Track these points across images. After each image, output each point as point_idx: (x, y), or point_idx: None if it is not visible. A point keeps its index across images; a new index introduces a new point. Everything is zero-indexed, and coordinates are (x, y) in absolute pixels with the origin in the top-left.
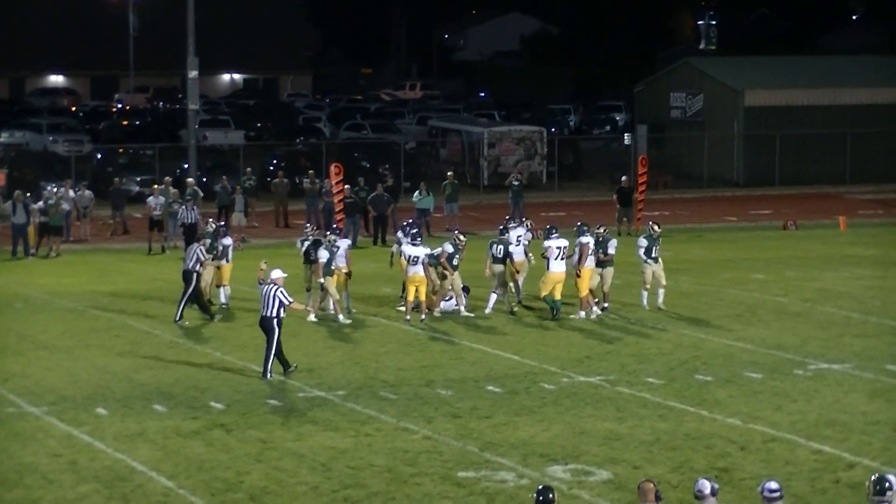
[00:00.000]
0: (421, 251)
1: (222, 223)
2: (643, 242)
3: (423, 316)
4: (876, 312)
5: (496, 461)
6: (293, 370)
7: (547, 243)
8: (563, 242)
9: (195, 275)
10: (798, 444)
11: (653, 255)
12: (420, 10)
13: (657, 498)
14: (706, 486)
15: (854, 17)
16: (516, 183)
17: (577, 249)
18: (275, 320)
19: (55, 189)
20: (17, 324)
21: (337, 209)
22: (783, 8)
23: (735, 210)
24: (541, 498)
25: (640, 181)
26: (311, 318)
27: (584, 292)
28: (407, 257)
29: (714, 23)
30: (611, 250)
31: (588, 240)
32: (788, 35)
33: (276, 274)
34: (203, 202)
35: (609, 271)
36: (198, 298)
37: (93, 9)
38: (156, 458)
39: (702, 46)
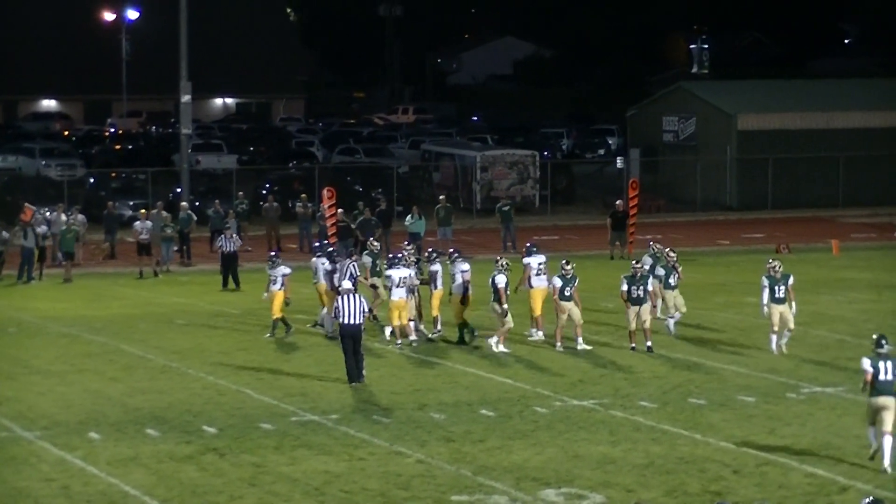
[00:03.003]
0: (404, 273)
1: (273, 252)
2: (660, 272)
3: (399, 341)
4: (869, 336)
5: (490, 485)
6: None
7: (526, 260)
8: (542, 258)
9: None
10: (792, 468)
11: (671, 282)
12: (413, 34)
13: None
14: None
15: (847, 41)
16: (506, 208)
17: (532, 269)
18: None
19: (48, 213)
20: (11, 348)
21: (330, 233)
22: (776, 32)
23: (728, 234)
24: None
25: (631, 205)
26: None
27: (538, 312)
28: (394, 282)
29: (707, 47)
30: (650, 287)
31: (528, 260)
32: (781, 59)
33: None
34: (196, 226)
35: (645, 308)
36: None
37: (86, 33)
38: (149, 483)
39: (694, 70)
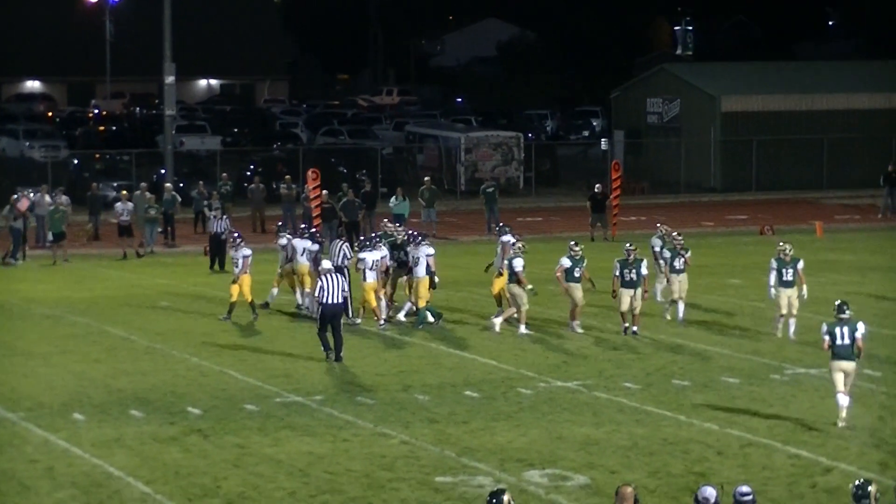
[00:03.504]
0: (378, 255)
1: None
2: (666, 254)
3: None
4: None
5: (473, 466)
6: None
7: (506, 238)
8: (511, 239)
9: (345, 270)
10: (775, 449)
11: (676, 266)
12: (397, 16)
13: (636, 502)
14: (712, 495)
15: (830, 24)
16: (490, 189)
17: (499, 249)
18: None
19: (32, 195)
20: None
21: (314, 214)
22: (760, 15)
23: (712, 216)
24: (493, 500)
25: (613, 186)
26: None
27: (497, 293)
28: (367, 265)
29: (691, 29)
30: (644, 271)
31: (508, 238)
32: (765, 42)
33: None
34: (181, 207)
35: (639, 293)
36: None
37: (69, 15)
38: (133, 464)
39: (679, 52)
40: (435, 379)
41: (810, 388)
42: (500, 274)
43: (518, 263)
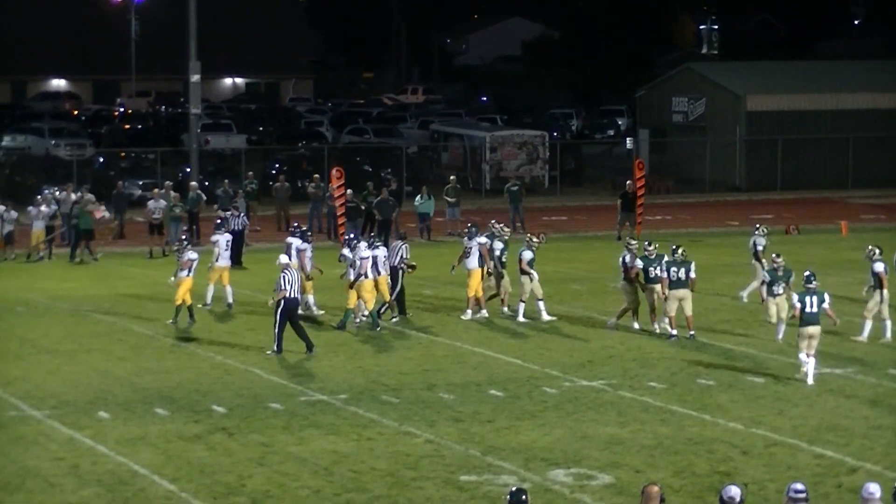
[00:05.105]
0: (381, 253)
1: (184, 236)
2: (766, 277)
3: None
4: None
5: (498, 465)
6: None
7: (483, 240)
8: (484, 240)
9: (401, 272)
10: (800, 449)
11: (776, 291)
12: (422, 14)
13: (662, 502)
14: (737, 494)
15: (855, 22)
16: (514, 188)
17: (473, 250)
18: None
19: (57, 193)
20: (19, 328)
21: (339, 213)
22: (785, 13)
23: (737, 215)
24: (513, 500)
25: (638, 185)
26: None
27: (472, 293)
28: (371, 264)
29: (716, 28)
30: (692, 274)
31: (485, 241)
32: (790, 40)
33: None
34: (205, 206)
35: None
36: (399, 295)
37: (95, 13)
38: (158, 462)
39: (704, 51)
40: (459, 377)
41: (835, 388)
42: (490, 274)
43: (527, 255)
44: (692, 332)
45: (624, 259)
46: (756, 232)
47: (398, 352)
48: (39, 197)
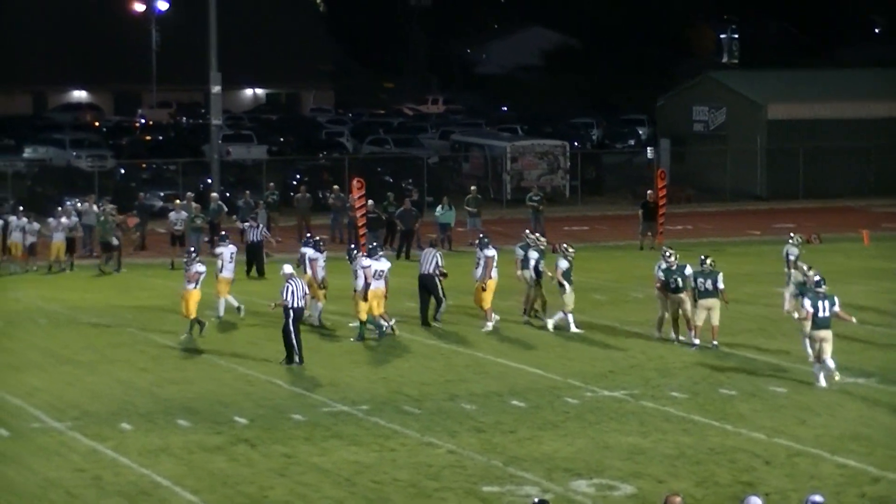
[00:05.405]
0: (385, 265)
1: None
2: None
3: (388, 323)
4: None
5: (520, 476)
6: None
7: (491, 252)
8: (491, 252)
9: (438, 280)
10: (822, 459)
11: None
12: (441, 24)
13: None
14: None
15: (876, 31)
16: (536, 199)
17: (482, 262)
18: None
19: (78, 204)
20: (41, 339)
21: (359, 224)
22: (805, 21)
23: (758, 224)
24: None
25: (660, 195)
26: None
27: (487, 304)
28: (372, 272)
29: (736, 36)
30: (720, 284)
31: (493, 253)
32: (810, 48)
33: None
34: (226, 216)
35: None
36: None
37: (116, 24)
38: (179, 473)
39: (724, 60)
40: (481, 388)
41: (857, 397)
42: (484, 289)
43: (563, 265)
44: (715, 343)
45: (659, 268)
46: (789, 241)
47: (420, 362)
48: (60, 209)
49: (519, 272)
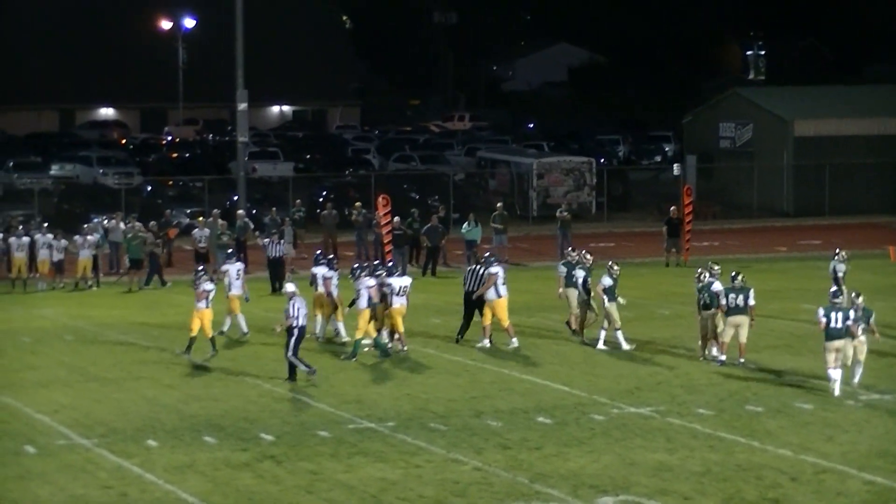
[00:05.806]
0: (407, 281)
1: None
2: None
3: (405, 347)
4: None
5: (546, 492)
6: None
7: (494, 269)
8: (494, 270)
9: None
10: (850, 475)
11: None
12: (468, 41)
13: None
14: None
15: None
16: (564, 215)
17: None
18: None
19: (105, 221)
20: (67, 356)
21: (385, 241)
22: (831, 38)
23: (785, 240)
24: None
25: (686, 211)
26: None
27: (500, 321)
28: (394, 290)
29: (762, 52)
30: (751, 301)
31: (497, 270)
32: (837, 64)
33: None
34: (252, 234)
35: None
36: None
37: (142, 41)
38: (206, 490)
39: (751, 76)
40: (507, 404)
41: (885, 414)
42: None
43: (607, 282)
44: (742, 360)
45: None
46: (836, 258)
47: (445, 379)
48: (86, 226)
49: (560, 290)
